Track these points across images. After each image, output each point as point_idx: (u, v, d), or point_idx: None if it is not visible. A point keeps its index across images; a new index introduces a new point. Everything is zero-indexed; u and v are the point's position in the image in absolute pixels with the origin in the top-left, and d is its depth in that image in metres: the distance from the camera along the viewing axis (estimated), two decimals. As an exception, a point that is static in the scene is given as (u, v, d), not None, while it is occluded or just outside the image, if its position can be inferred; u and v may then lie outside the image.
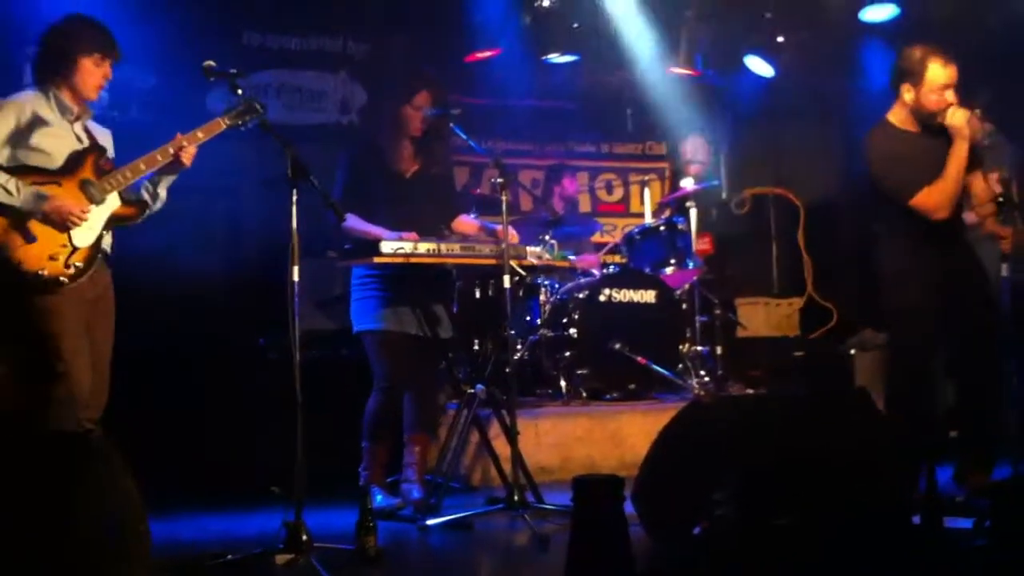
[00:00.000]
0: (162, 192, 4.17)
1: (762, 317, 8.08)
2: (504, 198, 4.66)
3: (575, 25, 7.36)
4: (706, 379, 6.77)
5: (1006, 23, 6.81)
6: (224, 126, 4.09)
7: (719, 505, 3.47)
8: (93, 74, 4.03)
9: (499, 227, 4.71)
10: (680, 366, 6.70)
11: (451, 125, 4.88)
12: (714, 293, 7.43)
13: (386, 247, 4.47)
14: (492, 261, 4.71)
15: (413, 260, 4.55)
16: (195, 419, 5.21)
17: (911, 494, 3.69)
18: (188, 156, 4.05)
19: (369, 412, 4.82)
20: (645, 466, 4.07)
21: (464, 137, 4.86)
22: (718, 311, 7.37)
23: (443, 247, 4.64)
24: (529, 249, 4.87)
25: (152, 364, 3.96)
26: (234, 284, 4.21)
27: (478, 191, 7.46)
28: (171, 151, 4.02)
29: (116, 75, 4.10)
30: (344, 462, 4.89)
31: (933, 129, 4.71)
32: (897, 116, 4.83)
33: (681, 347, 6.78)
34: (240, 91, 3.93)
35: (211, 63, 3.98)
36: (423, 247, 4.57)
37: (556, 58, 7.56)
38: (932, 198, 4.65)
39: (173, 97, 5.94)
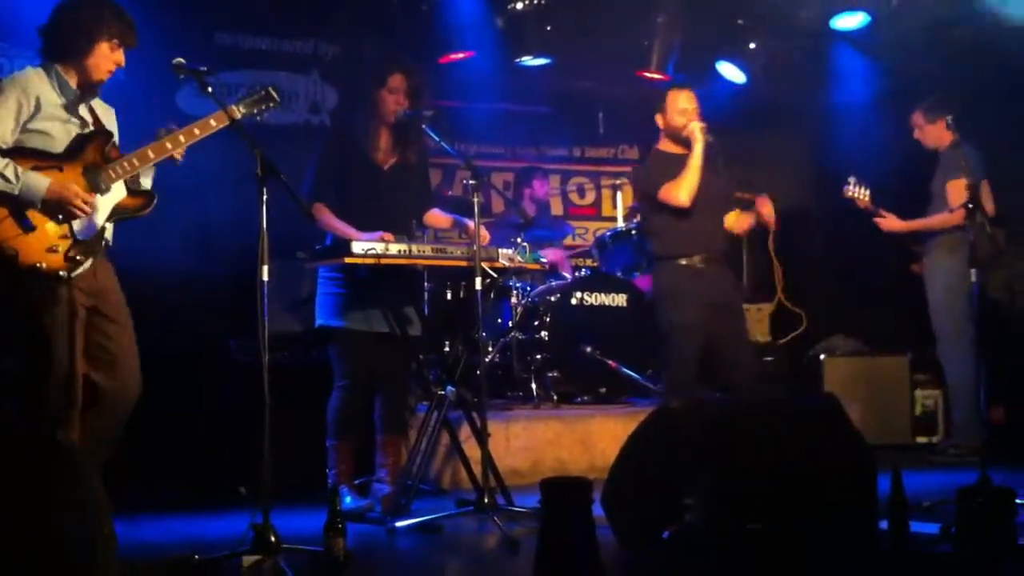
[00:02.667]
0: (146, 183, 4.05)
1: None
2: (476, 200, 4.65)
3: (548, 28, 7.36)
4: (676, 383, 6.78)
5: (976, 31, 6.87)
6: (239, 115, 4.00)
7: (688, 509, 3.47)
8: (107, 59, 3.89)
9: (470, 222, 4.71)
10: (651, 370, 6.71)
11: (423, 126, 4.86)
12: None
13: (357, 248, 4.45)
14: (464, 263, 4.70)
15: (384, 261, 4.53)
16: (162, 420, 5.15)
17: (878, 499, 3.71)
18: (180, 151, 3.94)
19: (331, 410, 4.80)
20: (615, 470, 4.07)
21: (436, 139, 4.84)
22: (688, 315, 7.38)
23: (415, 248, 4.63)
24: (501, 251, 4.86)
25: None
26: (202, 285, 4.17)
27: (450, 193, 7.45)
28: (181, 139, 3.90)
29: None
30: (313, 464, 4.87)
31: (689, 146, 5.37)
32: (662, 144, 5.53)
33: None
34: (210, 89, 3.88)
35: (181, 60, 3.92)
36: (394, 248, 4.55)
37: (529, 61, 7.56)
38: (674, 189, 5.28)
39: (143, 94, 5.89)
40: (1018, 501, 3.70)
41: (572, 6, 7.28)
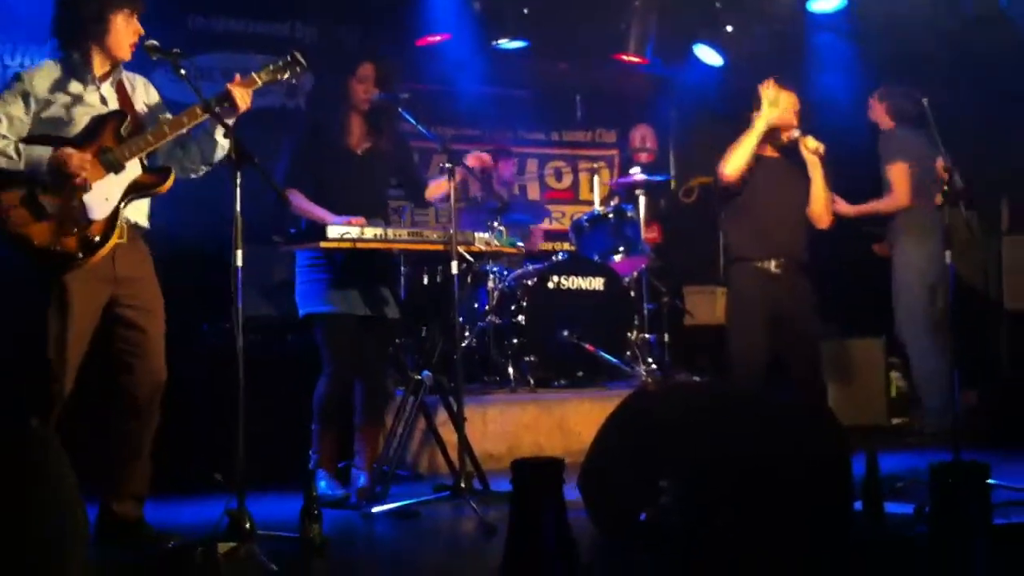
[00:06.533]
0: (220, 138, 3.96)
1: (709, 306, 8.12)
2: (452, 184, 4.63)
3: (525, 11, 7.34)
4: (653, 367, 6.81)
5: (950, 18, 6.89)
6: (260, 81, 4.01)
7: (664, 492, 3.48)
8: (125, 32, 3.85)
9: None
10: (627, 353, 6.73)
11: (399, 110, 4.84)
12: (662, 281, 7.47)
13: (332, 232, 4.43)
14: (440, 247, 4.69)
15: (360, 245, 4.50)
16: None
17: (853, 481, 3.72)
18: (243, 102, 3.92)
19: (319, 396, 4.77)
20: (591, 453, 4.08)
21: (413, 122, 4.82)
22: (666, 299, 7.41)
23: (390, 232, 4.61)
24: (477, 235, 4.84)
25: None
26: (175, 268, 4.14)
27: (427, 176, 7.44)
28: (199, 112, 3.85)
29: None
30: (288, 450, 4.85)
31: (786, 153, 5.30)
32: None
33: (629, 335, 6.81)
34: (183, 72, 3.83)
35: (154, 43, 3.87)
36: (370, 232, 4.53)
37: (506, 44, 7.53)
38: (721, 161, 5.19)
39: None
40: (992, 481, 3.73)
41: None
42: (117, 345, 3.88)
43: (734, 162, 5.16)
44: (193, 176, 4.10)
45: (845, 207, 6.39)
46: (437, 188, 5.11)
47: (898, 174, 6.24)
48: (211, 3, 6.91)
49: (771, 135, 5.28)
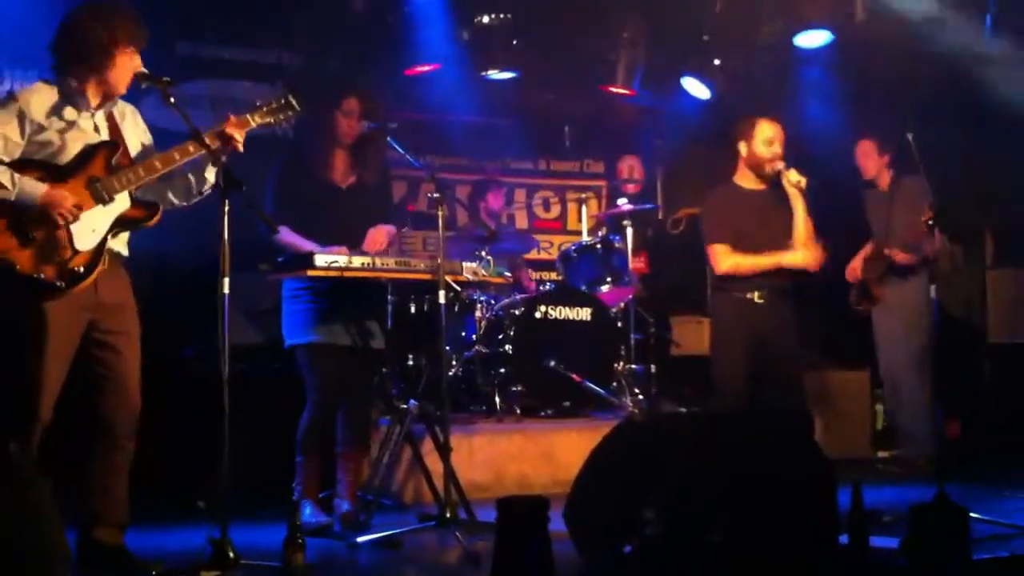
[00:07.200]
0: (209, 176, 3.95)
1: (696, 336, 8.13)
2: (440, 213, 4.64)
3: (514, 42, 7.38)
4: (640, 397, 6.80)
5: (935, 52, 6.95)
6: (254, 123, 4.00)
7: (650, 523, 3.47)
8: (127, 69, 3.84)
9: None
10: (614, 384, 6.72)
11: (388, 138, 4.86)
12: (649, 311, 7.48)
13: (320, 260, 4.43)
14: (427, 276, 4.69)
15: (347, 274, 4.50)
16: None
17: (838, 514, 3.72)
18: (238, 142, 3.92)
19: (303, 428, 4.75)
20: (577, 484, 4.06)
21: (401, 151, 4.83)
22: (653, 329, 7.42)
23: (378, 261, 4.61)
24: (465, 265, 4.85)
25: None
26: (161, 294, 4.13)
27: (413, 207, 7.46)
28: (191, 149, 3.84)
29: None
30: (273, 478, 4.82)
31: (776, 188, 5.28)
32: (741, 176, 5.39)
33: (615, 365, 6.81)
34: (172, 100, 3.84)
35: (143, 70, 3.89)
36: (358, 261, 4.53)
37: (495, 74, 7.57)
38: (721, 257, 5.23)
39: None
40: (973, 515, 3.73)
41: (538, 20, 7.30)
42: (92, 367, 3.86)
43: (738, 269, 5.21)
44: (171, 208, 4.07)
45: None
46: (371, 240, 4.92)
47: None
48: (200, 30, 6.92)
49: (756, 168, 5.32)
